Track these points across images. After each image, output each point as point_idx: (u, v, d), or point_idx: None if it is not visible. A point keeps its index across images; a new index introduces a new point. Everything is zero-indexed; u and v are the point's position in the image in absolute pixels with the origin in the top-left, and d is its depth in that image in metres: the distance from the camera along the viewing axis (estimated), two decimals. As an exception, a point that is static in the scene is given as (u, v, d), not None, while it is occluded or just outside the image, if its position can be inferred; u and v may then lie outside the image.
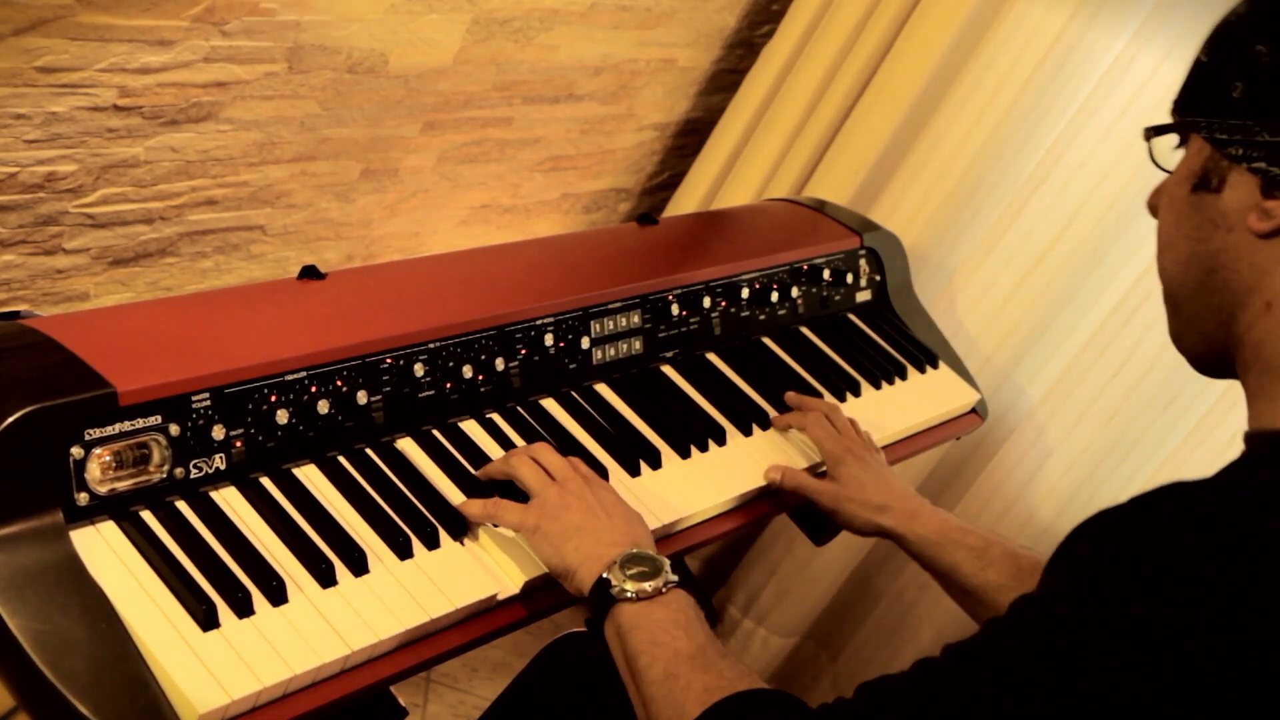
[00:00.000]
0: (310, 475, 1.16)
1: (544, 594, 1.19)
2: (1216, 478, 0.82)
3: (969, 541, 1.35)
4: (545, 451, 1.24)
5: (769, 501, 1.46)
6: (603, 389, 1.45)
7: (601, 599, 1.09)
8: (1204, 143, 0.94)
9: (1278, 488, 0.80)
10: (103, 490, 1.02)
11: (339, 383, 1.19)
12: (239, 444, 1.11)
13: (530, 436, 1.32)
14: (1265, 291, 0.91)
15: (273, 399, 1.14)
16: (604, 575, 1.10)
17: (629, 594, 1.08)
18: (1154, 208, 1.04)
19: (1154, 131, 1.03)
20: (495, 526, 1.19)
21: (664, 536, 1.32)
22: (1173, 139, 1.01)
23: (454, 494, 1.22)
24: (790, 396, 1.55)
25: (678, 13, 2.13)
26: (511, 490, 1.22)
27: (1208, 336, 0.98)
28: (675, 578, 1.09)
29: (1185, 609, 0.74)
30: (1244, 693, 0.73)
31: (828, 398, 1.62)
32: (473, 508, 1.19)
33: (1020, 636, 0.81)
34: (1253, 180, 0.90)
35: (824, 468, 1.47)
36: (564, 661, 1.42)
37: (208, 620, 0.99)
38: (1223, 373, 0.99)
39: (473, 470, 1.25)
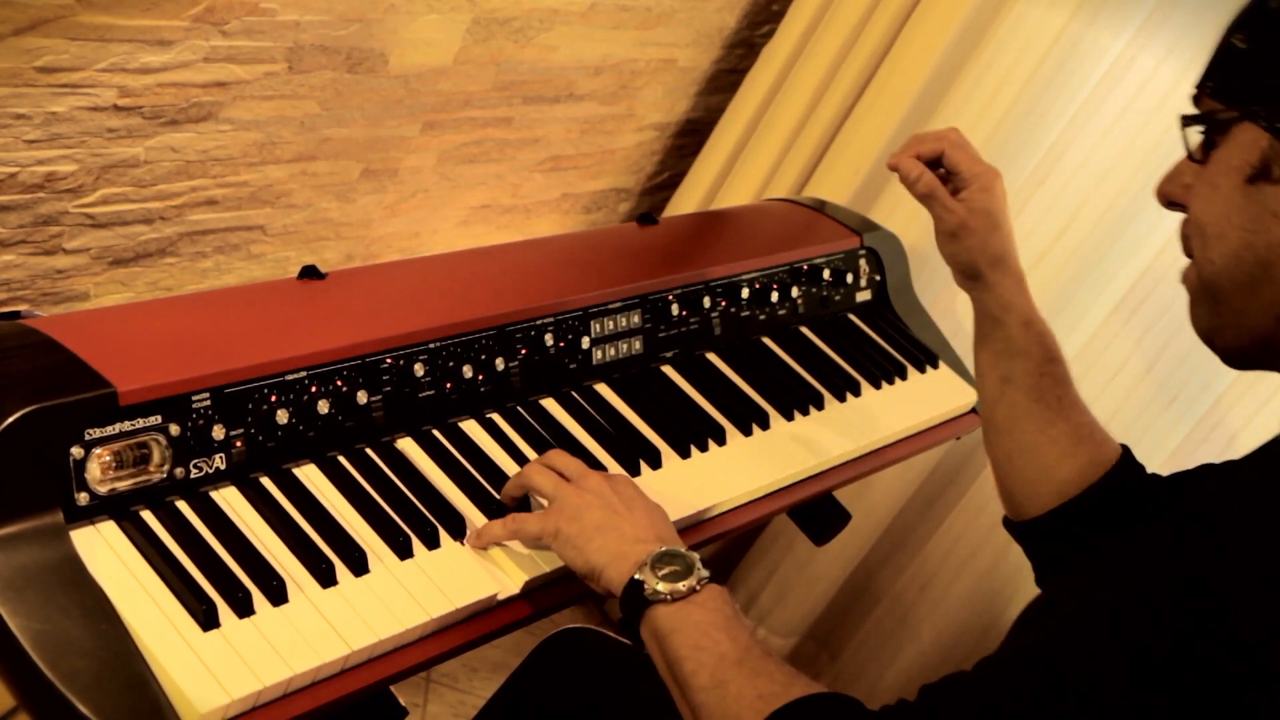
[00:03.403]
0: (310, 475, 1.16)
1: (544, 594, 1.19)
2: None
3: (1042, 350, 1.31)
4: (558, 456, 1.22)
5: (770, 501, 1.46)
6: (603, 389, 1.45)
7: (635, 601, 1.06)
8: (1262, 132, 0.91)
9: None
10: (103, 490, 1.02)
11: (339, 383, 1.19)
12: (239, 444, 1.11)
13: (530, 436, 1.32)
14: None
15: (273, 399, 1.14)
16: (636, 576, 1.06)
17: (664, 595, 1.04)
18: (1168, 196, 1.02)
19: (1196, 121, 0.99)
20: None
21: (664, 536, 1.32)
22: (1199, 126, 0.99)
23: (454, 494, 1.22)
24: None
25: (678, 13, 2.13)
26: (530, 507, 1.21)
27: (1253, 331, 0.95)
28: (708, 574, 1.06)
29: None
30: None
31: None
32: (493, 529, 1.17)
33: (1080, 640, 0.80)
34: None
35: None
36: (560, 657, 1.41)
37: (208, 620, 0.99)
38: (1258, 365, 0.98)
39: (473, 470, 1.25)
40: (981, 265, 1.33)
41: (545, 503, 1.19)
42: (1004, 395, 1.33)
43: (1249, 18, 0.94)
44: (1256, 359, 0.98)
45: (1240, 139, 0.94)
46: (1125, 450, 1.30)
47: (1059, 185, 2.03)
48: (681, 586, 1.04)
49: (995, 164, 2.07)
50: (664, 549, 1.08)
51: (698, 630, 1.02)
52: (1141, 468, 1.30)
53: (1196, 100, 1.00)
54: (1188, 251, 1.01)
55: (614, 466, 1.34)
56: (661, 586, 1.04)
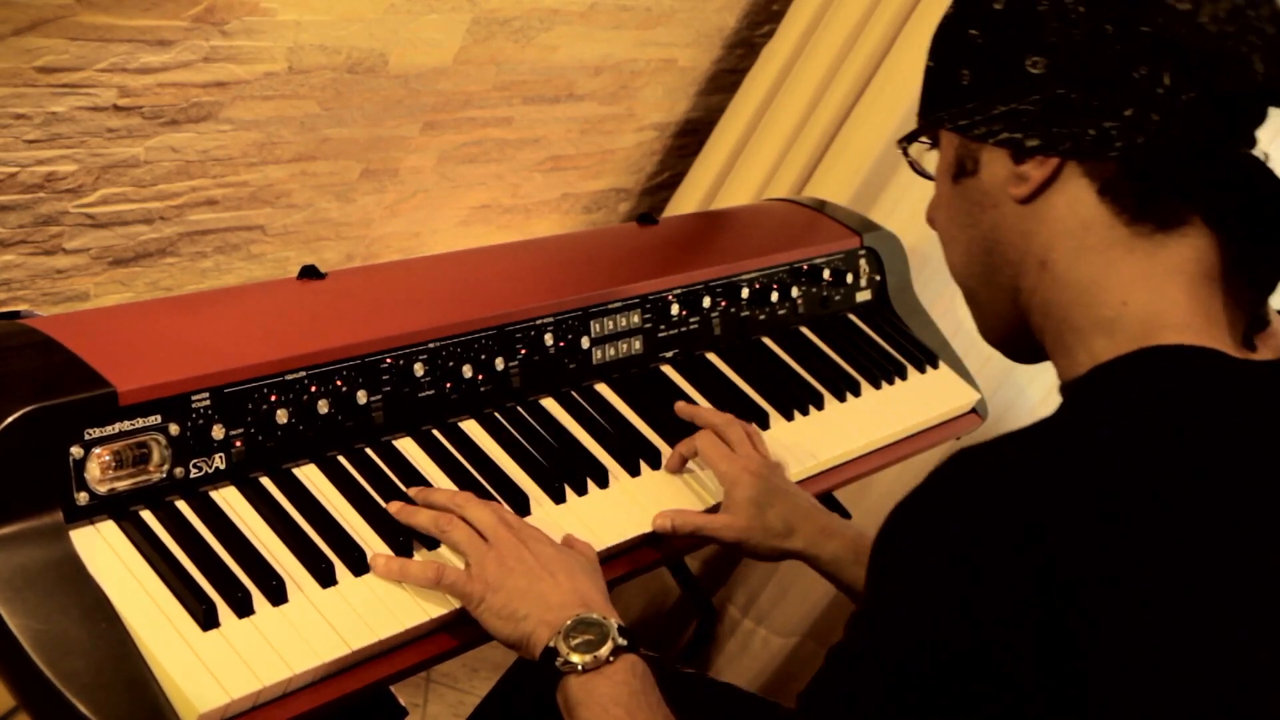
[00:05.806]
0: (310, 475, 1.16)
1: (544, 594, 1.19)
2: (1004, 438, 0.84)
3: None
4: (473, 507, 1.16)
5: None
6: (603, 389, 1.45)
7: (549, 670, 1.06)
8: (950, 134, 0.98)
9: (1071, 431, 0.82)
10: (102, 490, 1.02)
11: (339, 382, 1.19)
12: (239, 444, 1.11)
13: (530, 436, 1.32)
14: (1036, 252, 0.94)
15: (273, 399, 1.14)
16: (550, 645, 1.06)
17: (574, 666, 1.04)
18: (932, 220, 1.07)
19: (906, 140, 1.06)
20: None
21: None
22: (909, 143, 1.05)
23: (454, 494, 1.22)
24: (680, 406, 1.43)
25: (678, 13, 2.13)
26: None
27: (1006, 319, 0.99)
28: (623, 642, 1.05)
29: (1002, 583, 0.76)
30: (1071, 649, 0.74)
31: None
32: (413, 570, 1.11)
33: (861, 656, 0.85)
34: (1002, 153, 0.93)
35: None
36: None
37: (208, 620, 0.99)
38: (1035, 355, 1.00)
39: (473, 470, 1.25)
40: (783, 546, 1.32)
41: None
42: None
43: (933, 40, 1.02)
44: (1025, 349, 1.00)
45: (943, 146, 1.00)
46: None
47: (1059, 185, 2.03)
48: (589, 658, 1.04)
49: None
50: (580, 615, 1.07)
51: (598, 705, 1.03)
52: None
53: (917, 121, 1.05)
54: None
55: (614, 466, 1.34)
56: (573, 658, 1.05)
